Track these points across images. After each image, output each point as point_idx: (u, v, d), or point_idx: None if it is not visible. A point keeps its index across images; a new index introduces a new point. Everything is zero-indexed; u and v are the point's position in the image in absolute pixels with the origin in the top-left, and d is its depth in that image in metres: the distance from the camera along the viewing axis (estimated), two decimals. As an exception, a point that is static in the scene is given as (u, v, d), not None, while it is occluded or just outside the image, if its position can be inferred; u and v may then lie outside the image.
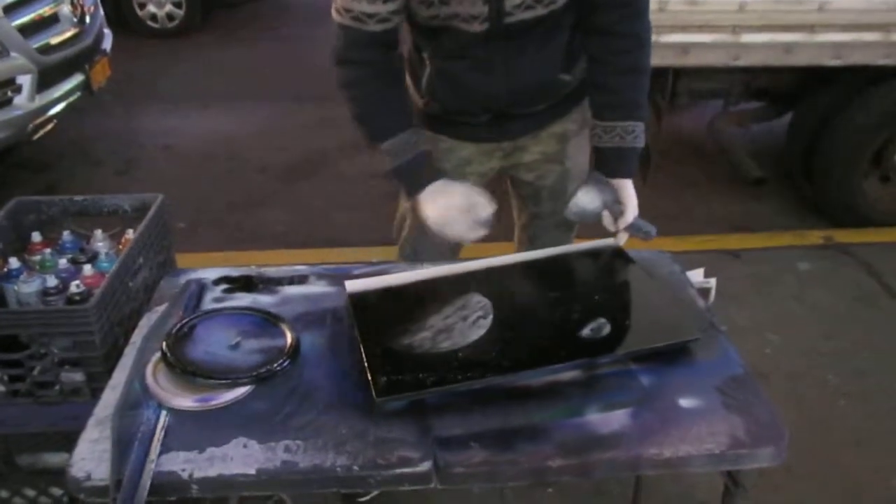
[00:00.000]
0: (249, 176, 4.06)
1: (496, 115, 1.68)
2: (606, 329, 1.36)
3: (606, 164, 1.60)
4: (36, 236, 1.69)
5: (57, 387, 1.43)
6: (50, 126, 3.79)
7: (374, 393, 1.22)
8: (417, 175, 1.56)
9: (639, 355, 1.32)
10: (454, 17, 1.47)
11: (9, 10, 3.49)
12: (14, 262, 1.58)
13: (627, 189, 1.58)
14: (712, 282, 1.63)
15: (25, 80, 3.52)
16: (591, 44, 1.58)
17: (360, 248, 3.24)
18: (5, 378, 1.42)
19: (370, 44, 1.49)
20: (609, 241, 1.63)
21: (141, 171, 4.13)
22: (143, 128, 4.69)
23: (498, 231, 1.98)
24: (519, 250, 2.00)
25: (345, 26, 1.48)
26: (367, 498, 2.02)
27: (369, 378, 1.25)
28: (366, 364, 1.28)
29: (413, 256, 1.90)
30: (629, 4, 1.51)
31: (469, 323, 1.39)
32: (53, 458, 1.48)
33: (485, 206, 1.54)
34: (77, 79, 3.90)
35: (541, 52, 1.56)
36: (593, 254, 1.64)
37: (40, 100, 3.62)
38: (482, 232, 1.56)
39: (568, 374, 1.29)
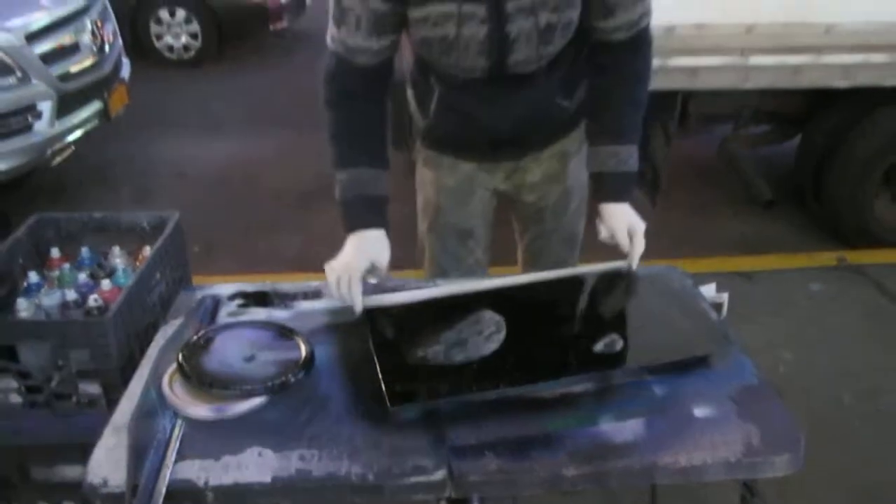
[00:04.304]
0: (263, 201, 4.11)
1: (498, 140, 1.70)
2: (619, 345, 1.36)
3: (603, 189, 1.61)
4: (55, 252, 1.72)
5: (74, 398, 1.44)
6: (68, 152, 3.86)
7: (387, 401, 1.22)
8: (358, 216, 1.52)
9: (652, 369, 1.32)
10: (457, 66, 1.50)
11: (32, 38, 3.59)
12: (34, 277, 1.61)
13: (626, 213, 1.58)
14: (725, 296, 1.63)
15: (46, 107, 3.60)
16: (590, 75, 1.62)
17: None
18: (23, 389, 1.44)
19: (359, 76, 1.51)
20: (620, 263, 1.63)
21: (157, 196, 4.18)
22: (159, 154, 4.75)
23: (501, 253, 2.00)
24: (524, 270, 2.00)
25: (336, 54, 1.50)
26: None
27: (383, 387, 1.25)
28: (379, 374, 1.29)
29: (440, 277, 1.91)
30: (630, 44, 1.54)
31: (483, 337, 1.40)
32: (68, 471, 1.49)
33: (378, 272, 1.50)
34: (95, 106, 3.98)
35: (543, 84, 1.58)
36: (606, 273, 1.63)
37: (59, 126, 3.70)
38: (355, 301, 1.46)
39: (581, 385, 1.29)
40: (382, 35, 1.47)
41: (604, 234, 1.60)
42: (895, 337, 2.86)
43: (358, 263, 1.47)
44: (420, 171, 1.86)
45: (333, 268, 1.47)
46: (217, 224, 3.79)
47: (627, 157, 1.59)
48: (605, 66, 1.58)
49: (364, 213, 1.53)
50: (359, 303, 1.45)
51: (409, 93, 1.75)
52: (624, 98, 1.59)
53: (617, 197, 1.60)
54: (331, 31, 1.49)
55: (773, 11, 2.88)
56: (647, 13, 1.53)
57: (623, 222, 1.57)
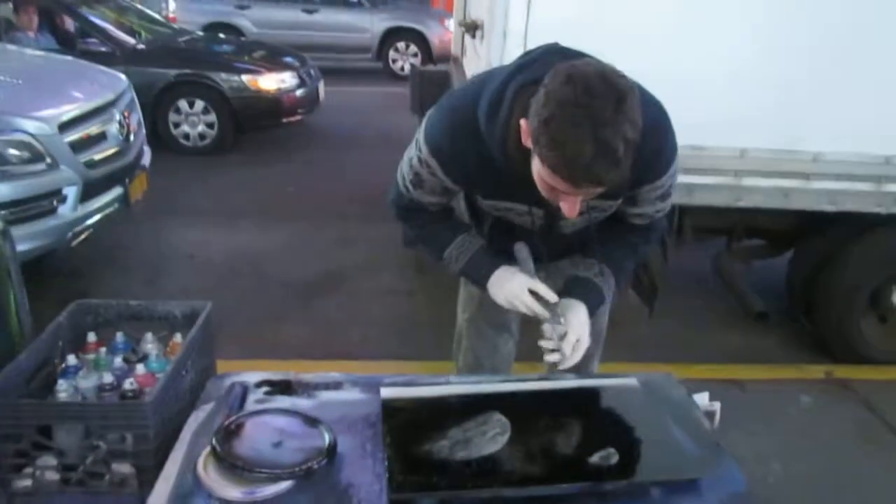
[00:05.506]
0: (271, 290, 4.23)
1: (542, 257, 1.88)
2: (614, 458, 1.45)
3: (573, 288, 1.75)
4: (91, 337, 1.83)
5: (107, 477, 1.52)
6: (86, 234, 4.00)
7: (389, 490, 1.33)
8: (480, 270, 1.77)
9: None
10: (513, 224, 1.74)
11: (63, 127, 3.78)
12: (72, 360, 1.72)
13: (581, 313, 1.71)
14: (717, 405, 1.74)
15: (71, 192, 3.75)
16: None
17: (375, 362, 3.35)
18: (60, 467, 1.52)
19: (425, 210, 1.79)
20: (630, 380, 1.75)
21: (167, 280, 4.30)
22: (172, 240, 4.91)
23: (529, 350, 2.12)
24: None
25: (409, 201, 1.76)
26: None
27: (385, 476, 1.36)
28: (385, 464, 1.40)
29: (472, 371, 2.07)
30: (646, 224, 1.78)
31: (487, 438, 1.49)
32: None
33: (546, 292, 1.68)
34: (117, 192, 4.14)
35: (582, 232, 1.79)
36: (613, 387, 1.75)
37: (82, 210, 3.84)
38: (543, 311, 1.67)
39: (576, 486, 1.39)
40: (451, 195, 1.77)
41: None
42: (883, 453, 2.94)
43: (521, 280, 1.68)
44: None
45: (506, 296, 1.71)
46: (224, 310, 3.86)
47: (608, 277, 1.78)
48: (623, 227, 1.79)
49: (491, 258, 1.77)
50: (536, 304, 1.67)
51: (463, 207, 1.91)
52: (626, 245, 1.81)
53: (584, 299, 1.72)
54: (404, 185, 1.74)
55: (764, 138, 3.10)
56: (666, 208, 1.76)
57: (584, 321, 1.69)
